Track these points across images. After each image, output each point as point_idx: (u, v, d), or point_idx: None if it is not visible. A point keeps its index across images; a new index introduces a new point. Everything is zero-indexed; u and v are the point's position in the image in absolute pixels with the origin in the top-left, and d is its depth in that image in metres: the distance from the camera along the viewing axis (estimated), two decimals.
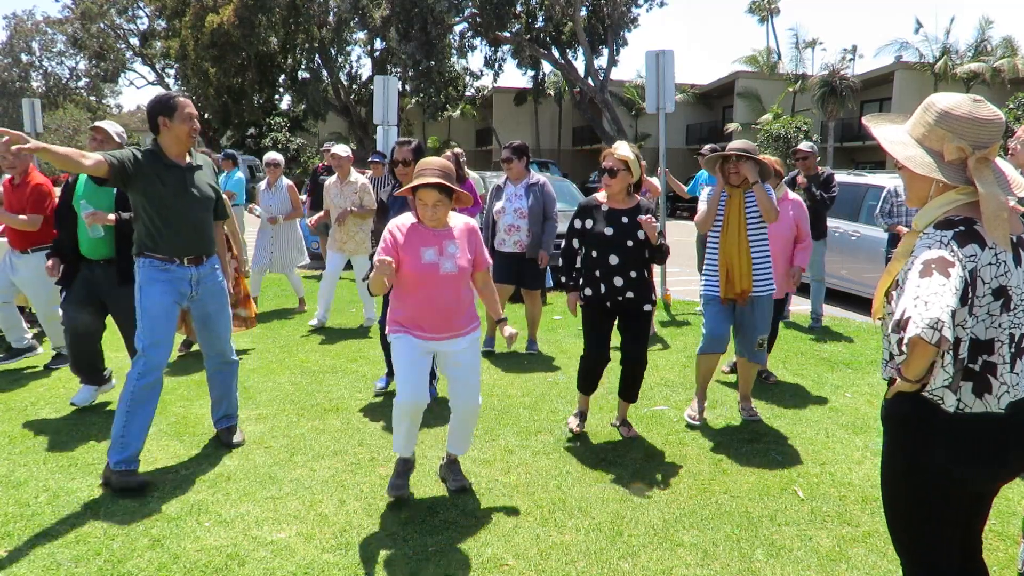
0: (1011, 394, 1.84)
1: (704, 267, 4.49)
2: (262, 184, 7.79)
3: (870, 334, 6.97)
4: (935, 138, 1.87)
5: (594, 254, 4.04)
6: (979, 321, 1.80)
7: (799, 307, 7.83)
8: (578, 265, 4.24)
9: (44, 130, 21.17)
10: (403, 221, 3.27)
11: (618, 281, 3.99)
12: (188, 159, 3.64)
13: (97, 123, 4.47)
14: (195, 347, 5.93)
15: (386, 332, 3.32)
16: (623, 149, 3.98)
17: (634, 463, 3.88)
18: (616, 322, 4.16)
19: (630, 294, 4.01)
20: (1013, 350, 1.84)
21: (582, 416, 4.34)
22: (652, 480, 3.67)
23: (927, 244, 1.80)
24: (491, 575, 2.81)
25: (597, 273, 4.04)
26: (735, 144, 4.34)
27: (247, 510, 3.26)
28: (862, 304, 8.43)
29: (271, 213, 7.55)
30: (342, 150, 7.01)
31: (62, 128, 38.48)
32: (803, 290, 7.86)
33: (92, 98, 46.41)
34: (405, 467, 3.45)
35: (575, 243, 4.16)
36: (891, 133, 1.99)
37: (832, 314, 7.84)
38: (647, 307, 4.08)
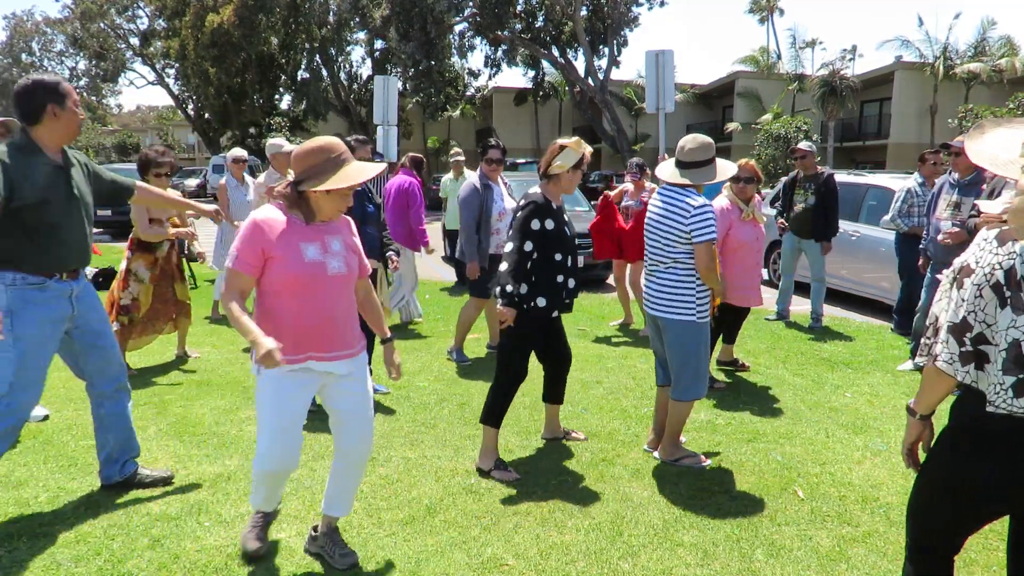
0: None
1: (687, 289, 3.67)
2: (222, 179, 7.63)
3: (870, 334, 6.97)
4: None
5: (558, 257, 3.65)
6: None
7: (799, 307, 7.82)
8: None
9: None
10: (270, 215, 2.57)
11: (572, 283, 3.75)
12: (62, 155, 3.12)
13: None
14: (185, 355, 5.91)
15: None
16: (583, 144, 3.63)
17: (634, 463, 3.88)
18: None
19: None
20: None
21: (503, 464, 3.76)
22: (652, 480, 3.67)
23: (971, 247, 1.80)
24: (491, 575, 2.81)
25: (560, 278, 3.66)
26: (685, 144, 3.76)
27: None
28: (862, 304, 8.43)
29: (240, 211, 7.38)
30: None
31: None
32: (803, 290, 7.87)
33: (92, 98, 46.41)
34: (265, 520, 3.03)
35: (529, 246, 3.58)
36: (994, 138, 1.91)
37: (832, 314, 7.84)
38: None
